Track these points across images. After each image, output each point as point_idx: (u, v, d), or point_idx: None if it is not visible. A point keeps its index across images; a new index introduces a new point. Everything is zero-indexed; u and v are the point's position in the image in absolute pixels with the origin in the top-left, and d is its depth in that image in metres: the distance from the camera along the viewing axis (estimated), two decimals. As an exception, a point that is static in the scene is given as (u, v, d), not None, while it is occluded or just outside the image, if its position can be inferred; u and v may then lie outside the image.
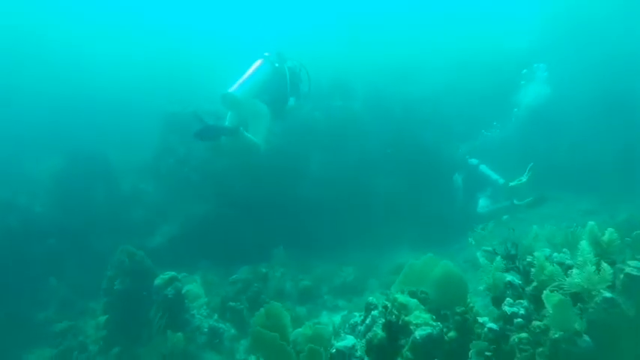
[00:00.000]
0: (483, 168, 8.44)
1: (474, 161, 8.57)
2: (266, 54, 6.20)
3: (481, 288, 3.17)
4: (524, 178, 7.44)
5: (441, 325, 2.75)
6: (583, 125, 9.24)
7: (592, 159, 9.05)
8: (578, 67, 9.40)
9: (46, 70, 14.95)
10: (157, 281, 4.99)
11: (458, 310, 2.78)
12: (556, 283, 2.12)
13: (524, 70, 9.49)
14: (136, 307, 5.12)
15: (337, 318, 6.17)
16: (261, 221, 8.57)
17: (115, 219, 8.45)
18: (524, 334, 2.11)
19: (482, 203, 8.23)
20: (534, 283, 2.33)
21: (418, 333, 2.65)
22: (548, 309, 2.04)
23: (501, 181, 8.25)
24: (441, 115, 9.88)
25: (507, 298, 2.41)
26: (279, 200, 8.65)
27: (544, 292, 2.09)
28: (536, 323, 2.12)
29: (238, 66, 6.04)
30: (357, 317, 3.31)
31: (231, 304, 5.95)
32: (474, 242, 3.34)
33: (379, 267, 7.87)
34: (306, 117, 8.49)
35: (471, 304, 2.85)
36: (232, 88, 5.77)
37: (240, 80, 5.86)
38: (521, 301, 2.31)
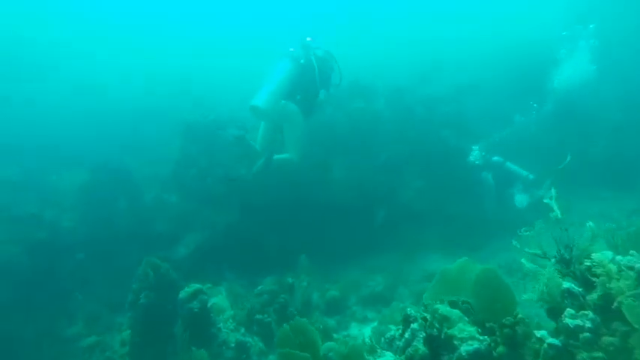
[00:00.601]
0: (509, 165, 8.17)
1: (498, 159, 8.26)
2: (291, 49, 5.97)
3: (525, 297, 2.88)
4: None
5: (488, 340, 2.48)
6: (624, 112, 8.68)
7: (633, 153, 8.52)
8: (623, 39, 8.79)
9: (65, 82, 15.15)
10: (182, 294, 4.85)
11: (506, 322, 2.50)
12: (632, 292, 1.83)
13: (565, 33, 8.86)
14: (160, 322, 5.00)
15: (367, 330, 5.92)
16: (284, 229, 8.40)
17: (140, 231, 8.42)
18: (599, 354, 1.82)
19: (520, 198, 7.89)
20: (598, 291, 2.04)
21: (464, 348, 2.39)
22: (633, 323, 1.75)
23: (531, 176, 7.89)
24: (466, 113, 9.56)
25: (567, 309, 2.12)
26: (303, 207, 8.47)
27: (623, 302, 1.80)
28: (608, 340, 1.83)
29: (260, 67, 5.87)
30: (394, 331, 3.06)
31: (258, 316, 5.76)
32: (518, 245, 3.04)
33: (408, 274, 7.57)
34: (328, 120, 8.29)
35: (520, 316, 2.58)
36: (259, 98, 5.63)
37: (266, 86, 5.68)
38: (586, 312, 2.02)
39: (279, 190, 8.39)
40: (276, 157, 5.75)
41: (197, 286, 4.99)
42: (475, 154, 8.29)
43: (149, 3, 19.10)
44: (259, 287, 6.74)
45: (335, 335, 5.84)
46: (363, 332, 5.83)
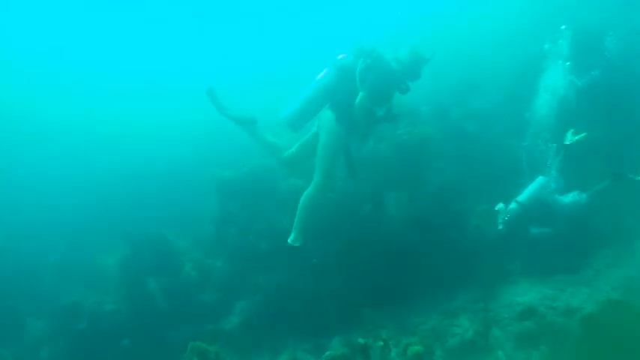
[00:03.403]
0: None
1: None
2: (340, 57, 4.89)
3: None
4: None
5: None
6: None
7: None
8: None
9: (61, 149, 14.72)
10: (240, 383, 3.96)
11: None
12: None
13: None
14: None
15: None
16: (342, 280, 7.47)
17: (187, 304, 7.71)
18: None
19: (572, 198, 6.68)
20: None
21: None
22: None
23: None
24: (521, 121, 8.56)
25: None
26: (358, 253, 7.55)
27: None
28: None
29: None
30: None
31: (334, 394, 4.74)
32: None
33: (498, 313, 6.38)
34: (371, 153, 7.51)
35: None
36: (286, 109, 4.86)
37: (298, 96, 4.86)
38: None
39: (328, 238, 7.55)
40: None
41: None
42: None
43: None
44: (328, 353, 5.77)
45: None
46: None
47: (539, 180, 6.84)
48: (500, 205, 6.88)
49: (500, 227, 6.67)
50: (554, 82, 7.47)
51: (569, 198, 6.69)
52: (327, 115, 4.69)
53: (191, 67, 18.47)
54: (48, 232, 11.24)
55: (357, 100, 4.51)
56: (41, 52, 18.32)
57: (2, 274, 9.40)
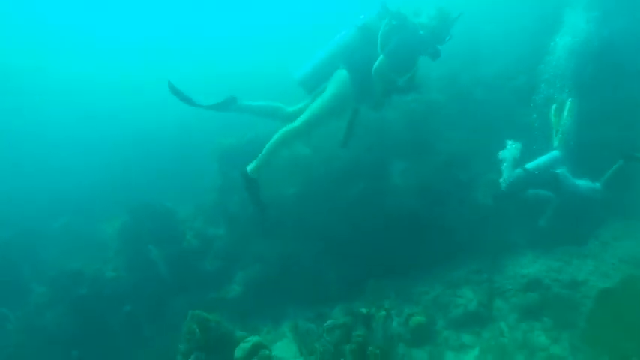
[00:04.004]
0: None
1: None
2: (361, 16, 4.44)
3: None
4: None
5: None
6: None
7: None
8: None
9: (70, 112, 14.55)
10: (238, 352, 3.92)
11: None
12: None
13: None
14: (219, 388, 4.09)
15: None
16: (344, 249, 7.38)
17: (189, 272, 7.68)
18: None
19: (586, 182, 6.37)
20: None
21: None
22: None
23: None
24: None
25: None
26: (361, 222, 7.42)
27: None
28: None
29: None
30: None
31: (334, 362, 4.71)
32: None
33: (502, 284, 6.28)
34: (379, 121, 7.24)
35: None
36: (300, 69, 4.49)
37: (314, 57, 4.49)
38: None
39: (332, 207, 7.41)
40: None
41: (255, 338, 4.03)
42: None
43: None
44: (329, 321, 5.70)
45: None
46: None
47: (554, 153, 6.53)
48: (502, 153, 6.54)
49: (503, 187, 6.36)
50: (576, 25, 6.95)
51: (584, 182, 6.39)
52: (342, 74, 4.28)
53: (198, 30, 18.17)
54: (53, 200, 11.31)
55: (376, 64, 4.17)
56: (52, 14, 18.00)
57: (8, 240, 9.51)
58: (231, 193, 8.29)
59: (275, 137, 4.31)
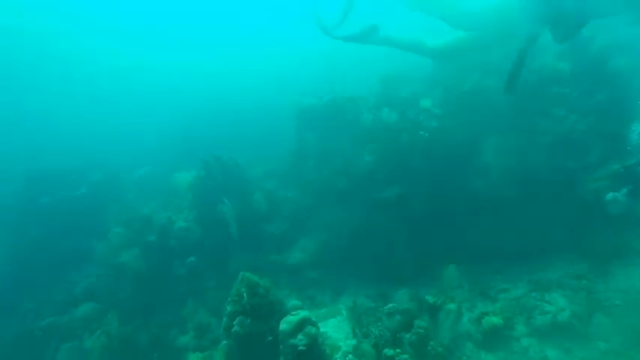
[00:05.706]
0: None
1: None
2: None
3: None
4: None
5: None
6: None
7: None
8: None
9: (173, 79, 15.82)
10: (284, 325, 3.56)
11: None
12: None
13: None
14: (259, 357, 3.78)
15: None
16: (422, 229, 6.69)
17: (253, 232, 7.55)
18: None
19: None
20: None
21: None
22: None
23: None
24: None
25: None
26: (445, 200, 6.65)
27: None
28: None
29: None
30: None
31: (388, 352, 4.19)
32: None
33: (605, 295, 5.20)
34: (474, 87, 6.29)
35: None
36: None
37: None
38: None
39: (414, 179, 6.70)
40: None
41: (304, 313, 3.62)
42: None
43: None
44: (390, 305, 5.19)
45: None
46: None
47: None
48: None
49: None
50: None
51: None
52: None
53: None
54: (140, 152, 12.24)
55: None
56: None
57: (97, 182, 10.37)
58: (306, 157, 7.95)
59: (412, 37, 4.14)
